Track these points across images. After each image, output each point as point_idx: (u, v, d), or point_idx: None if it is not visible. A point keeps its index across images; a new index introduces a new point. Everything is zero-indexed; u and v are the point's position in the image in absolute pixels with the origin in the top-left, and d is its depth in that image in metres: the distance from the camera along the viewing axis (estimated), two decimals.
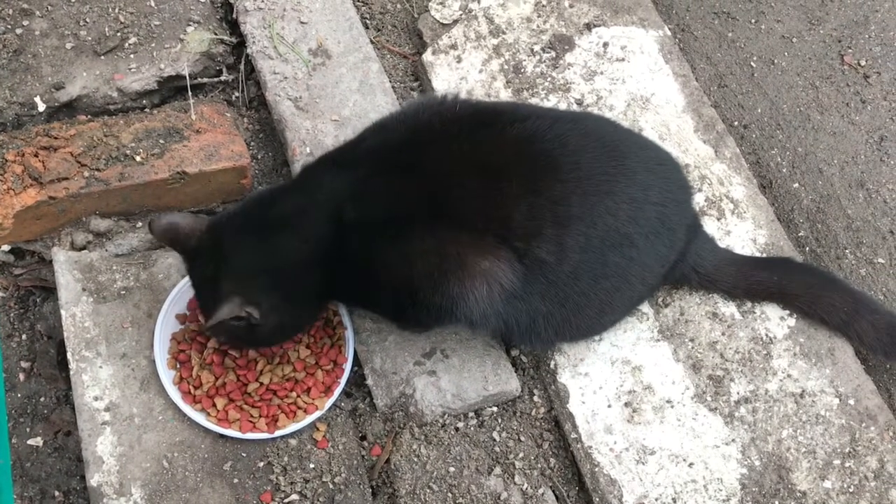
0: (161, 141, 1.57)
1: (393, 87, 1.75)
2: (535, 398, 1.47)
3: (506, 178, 1.25)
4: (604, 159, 1.31)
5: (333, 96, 1.67)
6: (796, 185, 1.74)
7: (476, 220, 1.24)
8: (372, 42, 1.81)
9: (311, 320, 1.40)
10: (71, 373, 1.36)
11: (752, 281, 1.46)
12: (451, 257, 1.22)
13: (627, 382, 1.44)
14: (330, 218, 1.27)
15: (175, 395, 1.35)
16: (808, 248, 1.66)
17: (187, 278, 1.39)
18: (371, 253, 1.26)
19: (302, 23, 1.76)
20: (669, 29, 1.82)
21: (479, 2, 1.84)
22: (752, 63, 1.88)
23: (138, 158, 1.53)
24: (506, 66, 1.75)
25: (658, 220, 1.33)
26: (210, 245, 1.31)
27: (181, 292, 1.43)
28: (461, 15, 1.83)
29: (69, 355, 1.37)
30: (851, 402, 1.42)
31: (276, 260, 1.28)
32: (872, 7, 1.96)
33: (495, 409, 1.45)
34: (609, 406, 1.42)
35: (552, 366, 1.46)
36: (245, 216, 1.34)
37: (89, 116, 1.64)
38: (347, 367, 1.41)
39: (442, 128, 1.31)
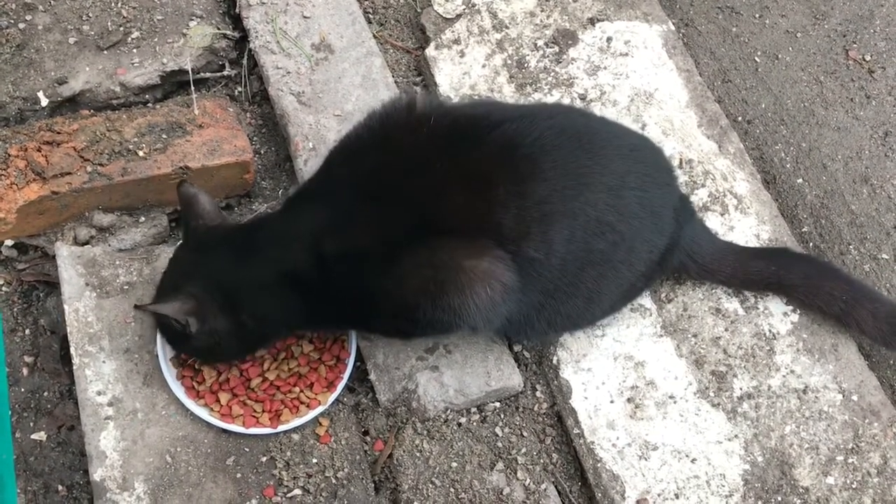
0: (164, 136, 1.57)
1: (396, 81, 1.74)
2: (538, 393, 1.47)
3: (491, 187, 1.25)
4: (579, 153, 1.31)
5: (336, 91, 1.67)
6: (800, 180, 1.73)
7: (467, 230, 1.24)
8: (375, 37, 1.81)
9: (256, 349, 1.40)
10: (74, 368, 1.36)
11: (749, 270, 1.45)
12: (446, 265, 1.21)
13: (630, 378, 1.44)
14: (309, 252, 1.27)
15: (178, 390, 1.36)
16: (811, 244, 1.66)
17: None
18: (361, 282, 1.25)
19: (305, 17, 1.75)
20: (673, 23, 1.81)
21: None
22: (756, 58, 1.87)
23: (141, 153, 1.53)
24: (509, 61, 1.74)
25: (638, 204, 1.33)
26: (205, 240, 1.34)
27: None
28: (464, 9, 1.83)
29: (72, 350, 1.37)
30: (855, 398, 1.42)
31: (245, 289, 1.29)
32: (877, 1, 1.95)
33: (498, 404, 1.45)
34: (612, 401, 1.42)
35: (555, 361, 1.46)
36: (236, 235, 1.36)
37: (92, 111, 1.64)
38: (350, 362, 1.41)
39: (417, 144, 1.30)
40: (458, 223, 1.25)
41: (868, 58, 1.88)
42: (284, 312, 1.32)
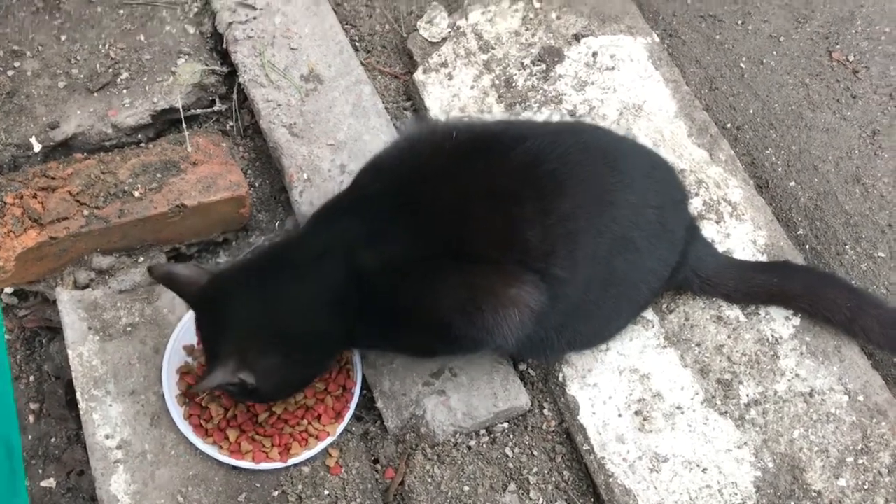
0: (158, 175, 1.57)
1: (386, 107, 1.75)
2: (546, 412, 1.47)
3: (517, 203, 1.25)
4: (603, 170, 1.32)
5: (327, 121, 1.68)
6: (793, 183, 1.74)
7: (495, 249, 1.24)
8: (363, 64, 1.82)
9: (322, 372, 1.39)
10: (81, 412, 1.36)
11: (752, 284, 1.46)
12: (482, 289, 1.22)
13: (636, 391, 1.44)
14: (342, 268, 1.26)
15: (186, 429, 1.35)
16: (808, 246, 1.67)
17: (191, 313, 1.40)
18: (394, 298, 1.25)
19: (292, 49, 1.76)
20: (657, 35, 1.82)
21: (466, 18, 1.85)
22: (741, 64, 1.89)
23: (136, 194, 1.54)
24: (497, 81, 1.76)
25: (658, 222, 1.35)
26: (212, 299, 1.29)
27: (186, 325, 1.43)
28: (450, 32, 1.84)
29: (78, 395, 1.37)
30: (861, 398, 1.42)
31: (281, 317, 1.26)
32: (857, 2, 1.97)
33: (506, 424, 1.45)
34: (619, 415, 1.42)
35: (560, 378, 1.46)
36: (248, 271, 1.33)
37: (85, 154, 1.64)
38: (356, 391, 1.42)
39: (443, 161, 1.31)
40: (485, 240, 1.25)
41: (851, 58, 1.89)
42: (328, 334, 1.30)
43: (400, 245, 1.25)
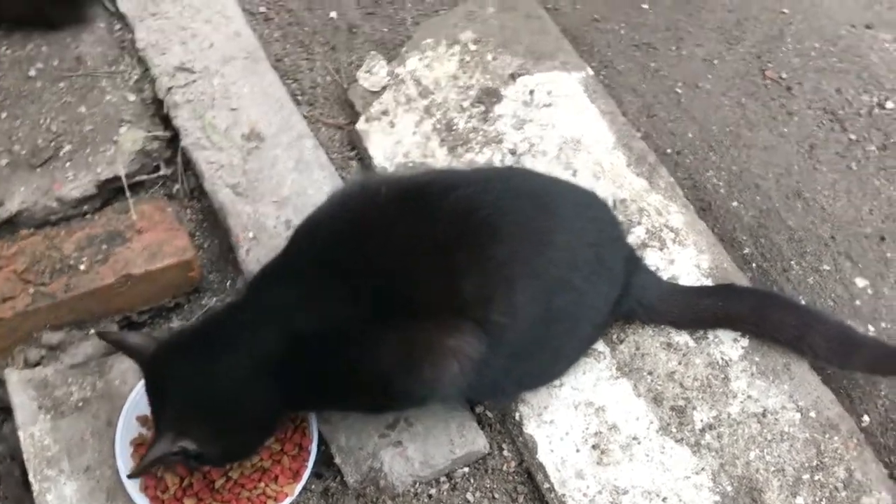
0: (104, 246, 1.58)
1: (331, 158, 1.77)
2: (505, 452, 1.47)
3: (451, 253, 1.27)
4: (536, 213, 1.34)
5: (271, 178, 1.69)
6: (735, 203, 1.77)
7: (432, 301, 1.25)
8: (305, 117, 1.84)
9: (269, 435, 1.39)
10: (34, 494, 1.35)
11: (698, 309, 1.48)
12: (419, 343, 1.23)
13: (593, 424, 1.45)
14: (278, 333, 1.27)
15: (143, 502, 1.35)
16: (754, 265, 1.69)
17: (143, 382, 1.40)
18: (335, 359, 1.26)
19: (232, 109, 1.78)
20: (592, 68, 1.86)
21: (405, 66, 1.87)
22: (677, 89, 1.92)
23: (82, 267, 1.54)
24: (438, 126, 1.78)
25: (595, 260, 1.37)
26: (156, 367, 1.30)
27: (138, 396, 1.43)
28: (389, 80, 1.86)
29: (31, 476, 1.36)
30: (813, 414, 1.43)
31: (218, 384, 1.27)
32: (786, 20, 2.01)
33: (466, 469, 1.45)
34: (577, 451, 1.43)
35: (517, 418, 1.46)
36: (189, 338, 1.34)
37: (32, 230, 1.65)
38: (313, 448, 1.41)
39: (374, 217, 1.32)
40: (422, 293, 1.26)
41: (784, 75, 1.93)
42: (266, 401, 1.31)
43: (336, 306, 1.26)
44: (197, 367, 1.27)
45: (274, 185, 1.68)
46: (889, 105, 1.87)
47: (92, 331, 1.57)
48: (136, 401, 1.43)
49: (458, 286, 1.24)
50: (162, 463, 1.28)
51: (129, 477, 1.33)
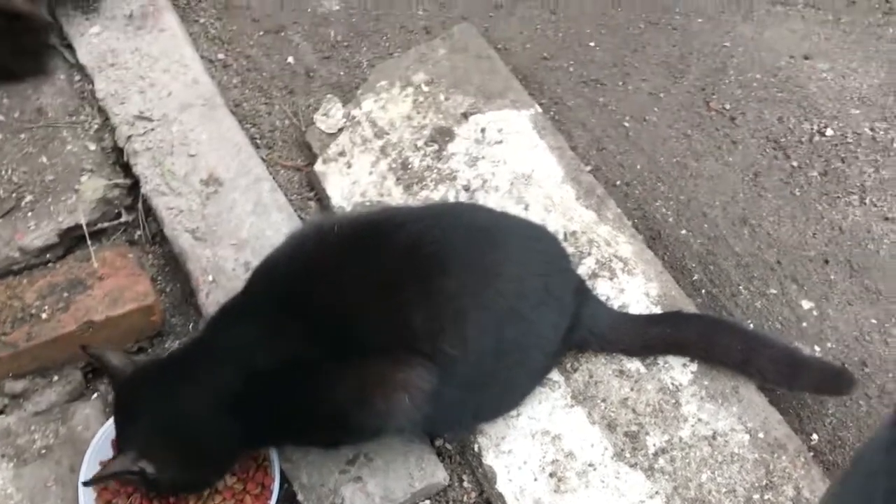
0: (65, 294, 1.60)
1: (291, 200, 1.81)
2: (465, 483, 1.50)
3: (401, 288, 1.31)
4: (485, 247, 1.39)
5: (229, 221, 1.73)
6: (684, 231, 1.82)
7: (384, 336, 1.30)
8: (264, 160, 1.88)
9: (226, 469, 1.42)
10: None
11: (647, 337, 1.53)
12: (370, 377, 1.28)
13: (549, 453, 1.48)
14: (236, 371, 1.31)
15: None
16: (704, 291, 1.74)
17: (106, 426, 1.43)
18: (291, 396, 1.30)
19: (191, 156, 1.82)
20: (542, 105, 1.92)
21: (360, 107, 1.92)
22: (625, 123, 1.99)
23: (44, 315, 1.56)
24: (394, 165, 1.83)
25: (544, 290, 1.41)
26: (128, 390, 1.36)
27: (101, 441, 1.45)
28: (345, 122, 1.91)
29: None
30: (761, 435, 1.48)
31: (181, 416, 1.32)
32: (728, 53, 2.09)
33: (427, 502, 1.48)
34: (535, 479, 1.46)
35: (476, 449, 1.50)
36: (161, 367, 1.39)
37: None
38: (275, 487, 1.43)
39: (328, 256, 1.37)
40: (374, 328, 1.30)
41: (728, 106, 2.00)
42: (224, 434, 1.34)
43: (292, 344, 1.30)
44: (162, 397, 1.32)
45: (232, 229, 1.72)
46: (829, 132, 1.94)
47: (56, 377, 1.59)
48: (99, 446, 1.45)
49: (408, 320, 1.28)
50: (118, 478, 1.34)
51: (85, 484, 1.36)
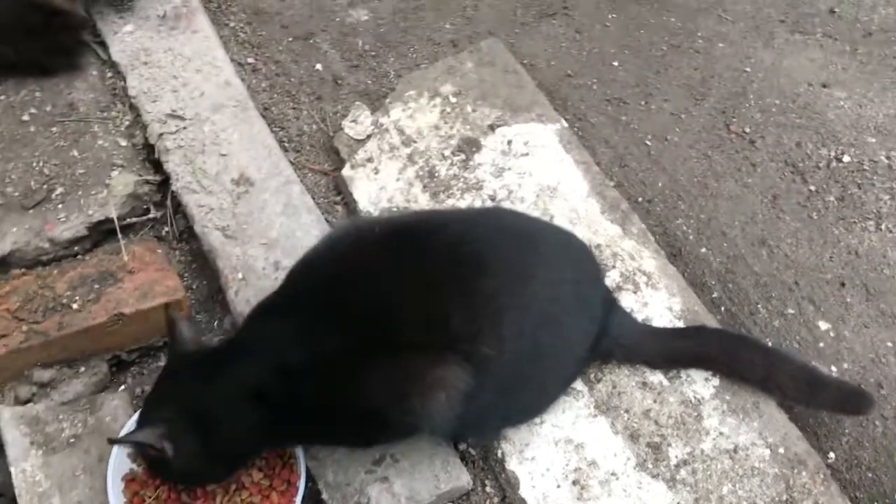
0: (96, 286, 1.61)
1: (317, 203, 1.83)
2: (488, 489, 1.52)
3: (440, 287, 1.33)
4: (522, 249, 1.41)
5: (260, 221, 1.75)
6: (704, 249, 1.86)
7: (422, 335, 1.31)
8: (292, 163, 1.90)
9: (233, 471, 1.42)
10: None
11: (671, 350, 1.55)
12: (408, 375, 1.29)
13: (572, 461, 1.50)
14: (275, 368, 1.32)
15: None
16: (723, 308, 1.77)
17: (133, 418, 1.44)
18: (326, 393, 1.31)
19: (222, 155, 1.84)
20: (566, 120, 1.95)
21: (388, 115, 1.95)
22: (647, 142, 2.02)
23: (75, 306, 1.57)
24: (421, 172, 1.85)
25: (576, 296, 1.44)
26: (177, 366, 1.39)
27: (129, 432, 1.45)
28: (373, 129, 1.94)
29: None
30: (781, 450, 1.50)
31: (211, 407, 1.32)
32: (748, 79, 2.13)
33: None
34: (558, 486, 1.48)
35: (499, 454, 1.51)
36: (205, 356, 1.39)
37: (23, 270, 1.68)
38: (301, 484, 1.44)
39: (366, 255, 1.38)
40: (412, 327, 1.31)
41: (748, 129, 2.04)
42: (252, 429, 1.34)
43: (328, 341, 1.31)
44: (199, 385, 1.33)
45: (263, 228, 1.74)
46: (846, 158, 1.98)
47: (83, 369, 1.60)
48: None
49: (446, 320, 1.30)
50: (138, 449, 1.36)
51: (110, 442, 1.38)
